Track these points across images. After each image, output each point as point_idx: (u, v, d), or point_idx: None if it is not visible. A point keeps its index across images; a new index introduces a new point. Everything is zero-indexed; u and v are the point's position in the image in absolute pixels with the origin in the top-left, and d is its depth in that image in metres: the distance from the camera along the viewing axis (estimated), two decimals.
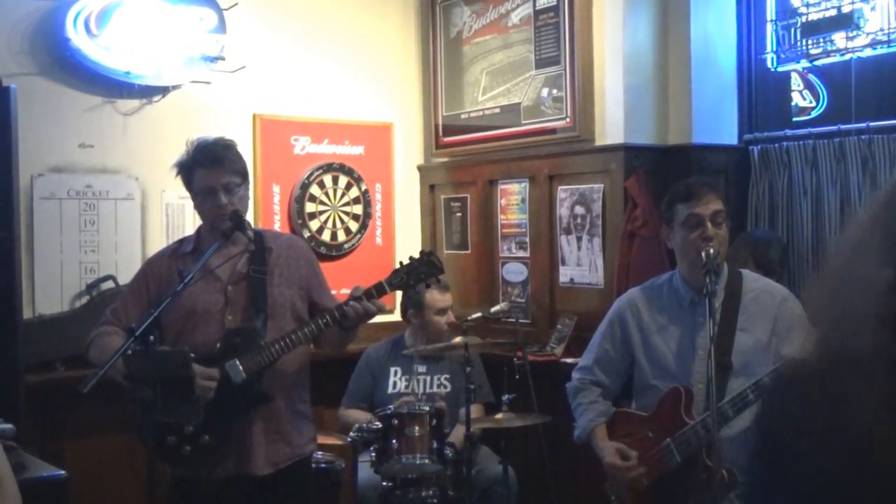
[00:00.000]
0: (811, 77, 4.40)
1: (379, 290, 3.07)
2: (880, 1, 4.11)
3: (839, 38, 4.22)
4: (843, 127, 4.16)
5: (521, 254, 5.10)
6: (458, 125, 5.38)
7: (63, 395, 4.09)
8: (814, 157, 4.29)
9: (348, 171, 5.31)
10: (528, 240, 5.04)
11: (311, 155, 5.23)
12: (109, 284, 4.57)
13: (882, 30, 4.09)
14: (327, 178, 5.25)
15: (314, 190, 5.20)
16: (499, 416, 4.08)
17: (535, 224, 4.98)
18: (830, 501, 0.99)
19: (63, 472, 3.33)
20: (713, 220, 2.93)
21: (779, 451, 1.05)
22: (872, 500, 0.96)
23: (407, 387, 4.55)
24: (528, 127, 4.95)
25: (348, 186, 5.32)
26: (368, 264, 5.25)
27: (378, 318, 3.26)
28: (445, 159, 5.53)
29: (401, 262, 3.16)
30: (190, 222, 4.69)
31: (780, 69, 4.53)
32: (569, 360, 4.21)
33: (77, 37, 4.46)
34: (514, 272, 5.14)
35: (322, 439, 3.93)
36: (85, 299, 4.55)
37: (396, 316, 4.98)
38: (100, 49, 4.50)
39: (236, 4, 4.89)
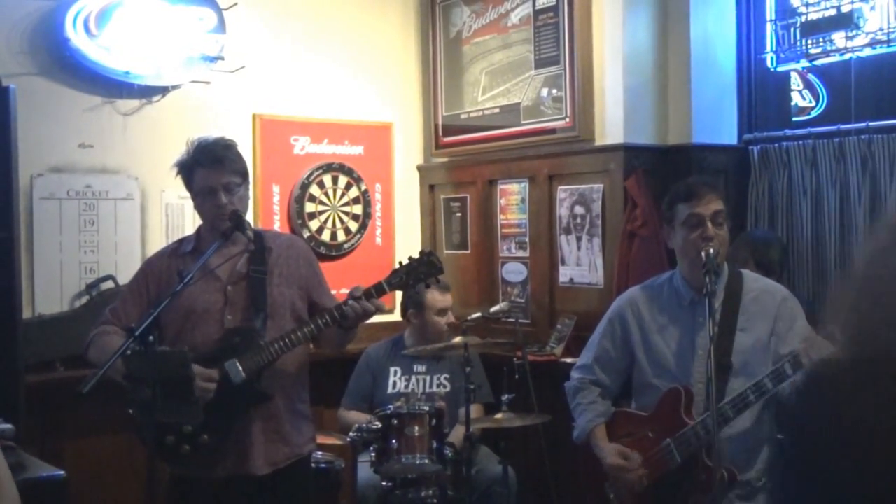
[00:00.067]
0: (811, 77, 4.40)
1: (378, 290, 3.07)
2: (880, 1, 4.11)
3: (839, 38, 4.22)
4: (842, 127, 4.16)
5: (520, 254, 5.10)
6: (457, 125, 5.37)
7: (63, 395, 4.09)
8: (813, 156, 4.29)
9: (348, 171, 5.31)
10: (527, 240, 5.04)
11: (310, 155, 5.23)
12: (109, 284, 4.57)
13: (881, 29, 4.09)
14: (327, 178, 5.24)
15: (314, 190, 5.20)
16: (498, 416, 4.08)
17: (535, 224, 4.98)
18: (868, 499, 0.98)
19: (63, 472, 3.33)
20: (714, 219, 2.93)
21: (816, 449, 1.04)
22: None
23: (407, 387, 4.55)
24: (527, 127, 4.95)
25: (348, 186, 5.32)
26: (368, 264, 5.24)
27: (378, 318, 3.27)
28: (445, 159, 5.53)
29: (400, 263, 3.15)
30: (190, 222, 4.69)
31: (779, 69, 4.53)
32: (568, 360, 4.20)
33: (77, 37, 4.46)
34: (514, 272, 5.14)
35: (322, 439, 3.93)
36: (85, 299, 4.55)
37: (396, 316, 4.98)
38: (99, 49, 4.50)
39: (236, 4, 4.89)
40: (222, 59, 4.82)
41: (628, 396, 3.26)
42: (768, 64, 4.56)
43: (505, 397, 4.11)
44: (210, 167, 3.07)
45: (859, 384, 1.01)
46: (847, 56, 4.19)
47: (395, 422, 3.98)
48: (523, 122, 4.97)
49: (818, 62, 4.35)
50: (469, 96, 5.31)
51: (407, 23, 5.59)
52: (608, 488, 3.09)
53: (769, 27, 4.53)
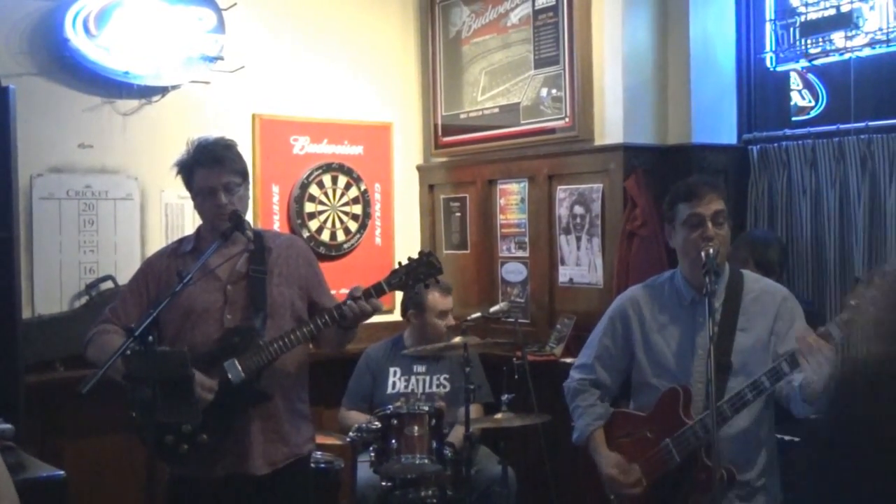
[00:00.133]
0: (810, 76, 4.41)
1: (378, 290, 3.08)
2: (879, 1, 4.11)
3: (838, 38, 4.22)
4: (842, 126, 4.17)
5: (520, 254, 5.10)
6: (457, 125, 5.37)
7: (62, 395, 4.10)
8: (813, 156, 4.29)
9: (347, 171, 5.31)
10: (527, 240, 5.04)
11: (310, 155, 5.23)
12: (108, 284, 4.57)
13: (881, 29, 4.09)
14: (326, 178, 5.24)
15: (313, 190, 5.20)
16: (498, 415, 4.08)
17: (535, 224, 4.98)
18: None
19: (62, 472, 3.34)
20: (714, 219, 2.93)
21: (855, 449, 1.04)
22: None
23: (406, 387, 4.55)
24: (527, 127, 4.95)
25: (347, 186, 5.32)
26: (368, 264, 5.24)
27: (378, 318, 3.27)
28: (445, 159, 5.53)
29: (399, 263, 3.15)
30: (189, 222, 4.69)
31: (779, 69, 4.53)
32: (568, 360, 4.20)
33: (76, 37, 4.46)
34: (514, 272, 5.14)
35: (321, 439, 3.93)
36: (84, 299, 4.55)
37: (396, 316, 4.98)
38: (99, 49, 4.50)
39: (235, 4, 4.88)
40: (222, 59, 4.82)
41: (627, 397, 3.26)
42: (768, 64, 4.57)
43: (504, 397, 4.11)
44: (210, 167, 3.07)
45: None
46: (846, 56, 4.20)
47: (395, 422, 3.98)
48: (523, 121, 4.97)
49: (818, 62, 4.35)
50: (468, 96, 5.31)
51: (406, 23, 5.59)
52: (608, 489, 3.09)
53: (769, 27, 4.54)
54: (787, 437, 3.45)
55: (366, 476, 4.14)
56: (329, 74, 5.30)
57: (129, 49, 4.55)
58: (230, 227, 3.04)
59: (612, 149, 4.55)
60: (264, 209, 5.07)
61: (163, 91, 4.76)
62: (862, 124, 4.09)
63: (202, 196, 3.10)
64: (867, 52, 4.16)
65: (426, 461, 3.95)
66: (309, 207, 5.19)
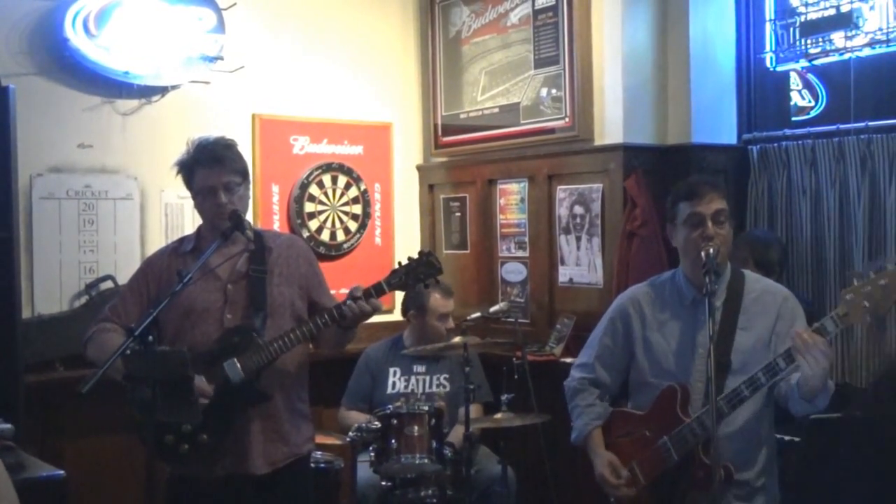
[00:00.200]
0: (810, 76, 4.41)
1: (378, 290, 3.07)
2: (879, 1, 4.11)
3: (838, 38, 4.22)
4: (842, 126, 4.17)
5: (520, 253, 5.10)
6: (457, 125, 5.38)
7: (62, 395, 4.11)
8: (813, 156, 4.29)
9: (347, 171, 5.32)
10: (527, 239, 5.05)
11: (310, 155, 5.23)
12: (108, 284, 4.57)
13: (881, 29, 4.09)
14: (326, 178, 5.25)
15: (313, 190, 5.20)
16: (498, 415, 4.08)
17: (535, 224, 4.98)
18: None
19: (62, 471, 3.33)
20: (714, 219, 2.93)
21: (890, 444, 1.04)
22: None
23: (406, 387, 4.55)
24: (527, 127, 4.95)
25: (347, 186, 5.32)
26: (367, 264, 5.25)
27: (378, 318, 3.27)
28: (444, 159, 5.53)
29: (399, 263, 3.15)
30: (189, 222, 4.70)
31: (779, 69, 4.53)
32: (568, 360, 4.21)
33: (76, 37, 4.46)
34: (514, 272, 5.14)
35: (321, 439, 3.93)
36: (84, 299, 4.55)
37: (396, 316, 4.98)
38: (99, 49, 4.50)
39: (235, 4, 4.89)
40: (222, 59, 4.82)
41: (626, 397, 3.26)
42: (768, 64, 4.57)
43: (504, 397, 4.11)
44: (210, 166, 3.07)
45: None
46: (846, 56, 4.20)
47: (395, 422, 3.98)
48: (523, 121, 4.97)
49: (817, 62, 4.35)
50: (468, 96, 5.31)
51: (406, 23, 5.60)
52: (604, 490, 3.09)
53: (768, 27, 4.54)
54: (786, 438, 3.46)
55: (366, 476, 4.14)
56: (329, 74, 5.31)
57: (128, 49, 4.55)
58: (230, 226, 3.04)
59: (612, 149, 4.55)
60: (264, 209, 5.08)
61: (163, 91, 4.76)
62: (862, 124, 4.09)
63: (202, 195, 3.10)
64: (867, 52, 4.16)
65: (426, 461, 3.95)
66: (309, 207, 5.19)
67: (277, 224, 5.10)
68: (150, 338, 2.66)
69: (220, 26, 4.80)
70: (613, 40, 4.57)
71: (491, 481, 4.28)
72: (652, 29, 4.61)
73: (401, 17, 5.58)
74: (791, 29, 4.41)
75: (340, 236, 5.30)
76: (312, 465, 3.63)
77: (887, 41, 4.06)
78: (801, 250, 4.34)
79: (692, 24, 4.53)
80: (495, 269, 5.24)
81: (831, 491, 1.09)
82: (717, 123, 4.61)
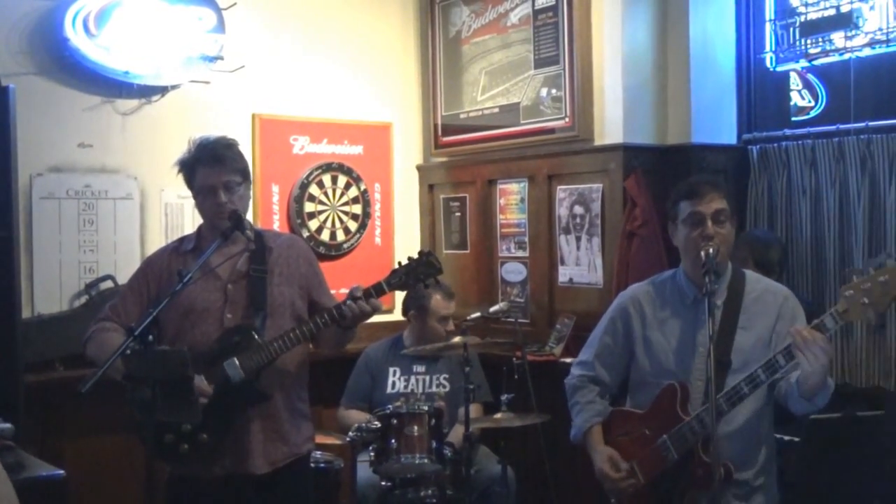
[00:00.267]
0: (810, 77, 4.41)
1: (378, 290, 3.07)
2: (879, 1, 4.11)
3: (838, 38, 4.22)
4: (841, 127, 4.17)
5: (520, 253, 5.10)
6: (457, 125, 5.38)
7: (62, 395, 4.11)
8: (813, 156, 4.29)
9: (347, 171, 5.32)
10: (527, 239, 5.05)
11: (310, 155, 5.23)
12: (108, 284, 4.57)
13: (881, 29, 4.10)
14: (326, 178, 5.25)
15: (313, 189, 5.20)
16: (498, 415, 4.08)
17: (535, 224, 4.98)
18: None
19: (62, 471, 3.33)
20: (714, 218, 2.93)
21: None
22: None
23: (406, 387, 4.55)
24: (527, 127, 4.95)
25: (347, 186, 5.32)
26: (367, 264, 5.25)
27: (378, 318, 3.27)
28: (444, 159, 5.53)
29: (399, 263, 3.15)
30: (189, 222, 4.70)
31: (779, 69, 4.53)
32: (568, 360, 4.20)
33: (76, 36, 4.46)
34: (514, 272, 5.14)
35: (321, 439, 3.93)
36: (84, 299, 4.55)
37: (396, 315, 4.98)
38: (99, 49, 4.50)
39: (235, 4, 4.89)
40: (222, 58, 4.83)
41: (626, 396, 3.25)
42: (767, 64, 4.57)
43: (504, 397, 4.11)
44: (211, 165, 3.07)
45: None
46: (846, 56, 4.20)
47: (395, 421, 3.98)
48: (523, 121, 4.98)
49: (817, 62, 4.35)
50: (468, 96, 5.31)
51: (406, 23, 5.60)
52: (603, 486, 3.09)
53: (768, 27, 4.54)
54: (786, 437, 3.46)
55: (365, 476, 4.14)
56: (329, 74, 5.31)
57: (128, 49, 4.55)
58: (230, 226, 3.04)
59: (612, 149, 4.56)
60: (264, 209, 5.08)
61: (163, 91, 4.76)
62: (862, 124, 4.09)
63: (202, 194, 3.10)
64: (867, 52, 4.16)
65: (426, 461, 3.95)
66: (309, 207, 5.19)
67: (277, 224, 5.10)
68: (150, 337, 2.66)
69: (220, 26, 4.80)
70: (613, 40, 4.57)
71: (491, 481, 4.28)
72: (652, 29, 4.61)
73: (401, 17, 5.58)
74: (791, 29, 4.41)
75: (340, 236, 5.30)
76: (312, 464, 3.63)
77: (887, 41, 4.07)
78: (801, 250, 4.34)
79: (692, 24, 4.53)
80: (495, 269, 5.24)
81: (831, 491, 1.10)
82: (717, 123, 4.61)
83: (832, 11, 4.24)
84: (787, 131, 4.41)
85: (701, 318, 2.92)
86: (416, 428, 3.96)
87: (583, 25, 4.65)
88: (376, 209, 5.44)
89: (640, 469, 2.98)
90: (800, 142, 4.35)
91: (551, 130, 4.82)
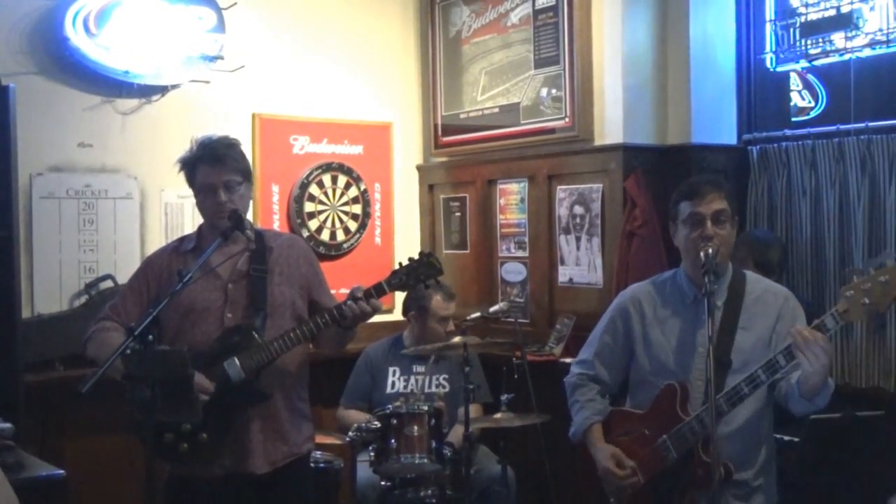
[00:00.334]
0: (810, 77, 4.41)
1: (378, 290, 3.08)
2: (879, 1, 4.11)
3: (838, 39, 4.22)
4: (842, 127, 4.17)
5: (520, 253, 5.10)
6: (457, 125, 5.38)
7: (62, 395, 4.11)
8: (813, 157, 4.29)
9: (347, 171, 5.32)
10: (527, 239, 5.05)
11: (310, 154, 5.23)
12: (108, 284, 4.57)
13: (881, 30, 4.10)
14: (326, 178, 5.25)
15: (313, 189, 5.21)
16: (498, 415, 4.08)
17: (535, 224, 4.99)
18: None
19: (62, 471, 3.33)
20: (714, 219, 2.94)
21: None
22: None
23: (406, 387, 4.55)
24: (527, 127, 4.95)
25: (347, 186, 5.32)
26: (367, 264, 5.25)
27: (378, 318, 3.26)
28: (444, 159, 5.53)
29: (400, 263, 3.15)
30: (189, 221, 4.70)
31: (779, 69, 4.53)
32: (567, 360, 4.19)
33: (76, 36, 4.46)
34: (513, 272, 5.14)
35: (321, 439, 3.93)
36: (84, 299, 4.55)
37: (396, 315, 4.98)
38: (99, 48, 4.51)
39: (235, 4, 4.89)
40: (222, 58, 4.83)
41: (625, 396, 3.26)
42: (768, 64, 4.57)
43: (504, 397, 4.11)
44: (211, 165, 3.08)
45: None
46: (846, 56, 4.20)
47: (395, 421, 3.98)
48: (523, 121, 4.98)
49: (817, 62, 4.35)
50: (468, 96, 5.31)
51: (406, 23, 5.60)
52: (605, 485, 3.09)
53: (769, 27, 4.54)
54: (786, 438, 3.46)
55: (365, 476, 4.14)
56: (329, 74, 5.31)
57: (129, 48, 4.56)
58: (230, 225, 3.04)
59: (612, 149, 4.56)
60: (264, 209, 5.08)
61: (163, 90, 4.76)
62: (862, 125, 4.09)
63: (203, 193, 3.11)
64: (867, 52, 4.16)
65: (425, 461, 3.95)
66: (309, 207, 5.19)
67: (277, 224, 5.10)
68: (150, 337, 2.65)
69: (220, 26, 4.81)
70: (613, 40, 4.57)
71: (490, 481, 4.28)
72: (652, 29, 4.61)
73: (401, 17, 5.58)
74: (791, 29, 4.41)
75: (340, 236, 5.30)
76: (312, 464, 3.63)
77: (887, 42, 4.07)
78: (801, 250, 4.34)
79: (692, 24, 4.53)
80: (495, 269, 5.24)
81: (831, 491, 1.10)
82: (717, 124, 4.61)
83: (832, 12, 4.24)
84: (787, 132, 4.41)
85: (701, 318, 2.92)
86: (415, 428, 3.96)
87: (583, 25, 4.65)
88: (376, 209, 5.44)
89: (640, 469, 2.98)
90: (800, 142, 4.34)
91: (551, 130, 4.82)
